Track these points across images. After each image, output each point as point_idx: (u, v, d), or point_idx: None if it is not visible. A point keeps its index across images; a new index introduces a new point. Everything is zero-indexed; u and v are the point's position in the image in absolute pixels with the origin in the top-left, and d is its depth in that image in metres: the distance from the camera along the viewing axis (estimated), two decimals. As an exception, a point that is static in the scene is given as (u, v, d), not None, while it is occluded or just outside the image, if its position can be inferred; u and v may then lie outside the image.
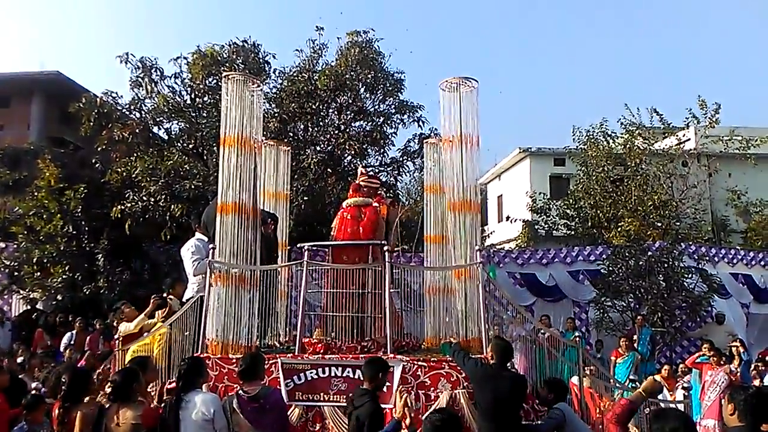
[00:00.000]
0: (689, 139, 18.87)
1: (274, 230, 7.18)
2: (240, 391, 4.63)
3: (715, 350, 8.86)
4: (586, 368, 6.63)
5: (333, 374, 5.39)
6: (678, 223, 17.34)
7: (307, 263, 5.92)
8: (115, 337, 6.77)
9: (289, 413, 5.13)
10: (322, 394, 5.36)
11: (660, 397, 7.55)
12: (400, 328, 6.21)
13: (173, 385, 5.04)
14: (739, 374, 8.78)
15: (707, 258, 13.61)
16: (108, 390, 4.50)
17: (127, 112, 14.05)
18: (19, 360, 8.07)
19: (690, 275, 12.79)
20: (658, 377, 9.50)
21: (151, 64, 13.84)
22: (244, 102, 5.99)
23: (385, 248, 5.85)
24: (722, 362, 8.56)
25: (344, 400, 5.27)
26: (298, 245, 6.63)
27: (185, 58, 14.02)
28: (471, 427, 5.03)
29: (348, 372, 5.38)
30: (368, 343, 5.78)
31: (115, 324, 7.61)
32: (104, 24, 69.45)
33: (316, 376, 5.40)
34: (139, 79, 13.78)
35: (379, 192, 7.10)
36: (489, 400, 4.82)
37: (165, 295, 7.38)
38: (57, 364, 7.95)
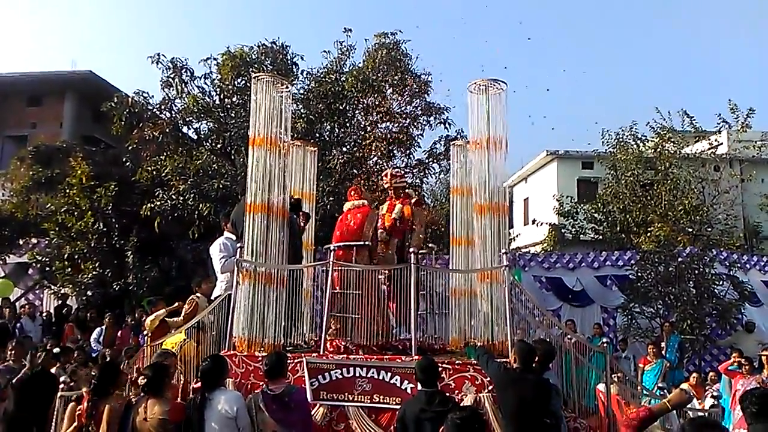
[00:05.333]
0: (721, 144, 18.52)
1: (302, 228, 7.21)
2: (266, 389, 4.67)
3: (747, 359, 8.68)
4: (613, 375, 6.54)
5: (358, 374, 5.39)
6: (709, 229, 17.04)
7: (332, 263, 5.94)
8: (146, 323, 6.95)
9: (313, 412, 5.16)
10: (346, 394, 5.36)
11: (689, 406, 7.43)
12: (387, 328, 6.15)
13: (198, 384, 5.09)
14: (768, 384, 8.58)
15: (738, 265, 13.36)
16: (141, 382, 4.56)
17: (158, 112, 14.28)
18: (56, 350, 8.20)
19: (721, 282, 12.58)
20: (686, 386, 9.41)
21: (182, 64, 14.05)
22: (273, 103, 6.04)
23: (411, 250, 5.84)
24: (754, 371, 8.38)
25: (368, 401, 5.28)
26: (325, 246, 6.67)
27: (215, 58, 14.21)
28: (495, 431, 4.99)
29: (372, 372, 5.38)
30: (348, 342, 5.77)
31: (128, 321, 7.77)
32: (136, 24, 70.67)
33: (340, 376, 5.41)
34: (170, 80, 14.00)
35: (407, 191, 7.05)
36: (512, 404, 4.77)
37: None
38: (88, 359, 8.09)
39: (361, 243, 6.19)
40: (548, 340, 6.14)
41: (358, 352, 5.65)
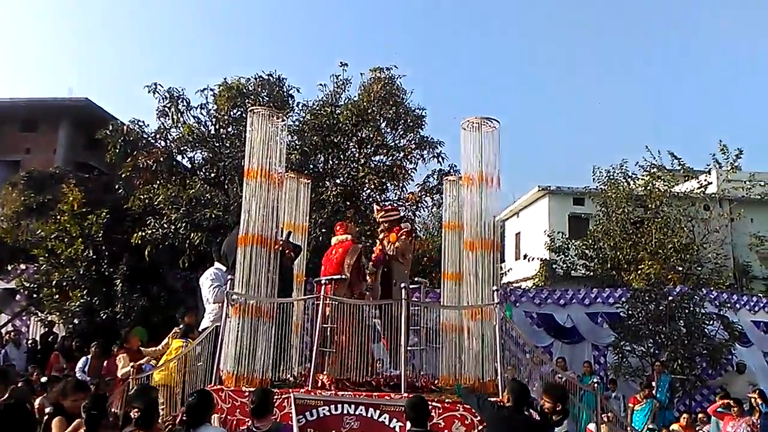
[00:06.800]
0: (711, 183, 18.76)
1: (292, 260, 7.19)
2: (251, 427, 4.60)
3: (735, 400, 8.65)
4: (604, 415, 6.49)
5: (346, 411, 5.33)
6: (699, 268, 17.12)
7: (323, 297, 5.92)
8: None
9: (299, 450, 5.08)
10: (333, 431, 5.29)
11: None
12: (372, 363, 6.13)
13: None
14: (758, 427, 8.53)
15: (729, 305, 13.40)
16: (134, 416, 4.47)
17: (153, 141, 14.30)
18: (43, 380, 8.08)
19: (711, 322, 12.58)
20: (676, 426, 9.34)
21: (179, 94, 14.13)
22: (268, 136, 6.08)
23: (402, 285, 5.83)
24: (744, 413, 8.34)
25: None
26: (315, 279, 6.66)
27: (211, 89, 14.31)
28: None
29: (361, 410, 5.32)
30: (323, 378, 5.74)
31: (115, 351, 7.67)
32: (134, 53, 71.28)
33: (328, 413, 5.34)
34: (166, 109, 14.06)
35: (400, 224, 7.08)
36: (504, 443, 4.73)
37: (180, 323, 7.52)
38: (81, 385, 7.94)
39: (339, 277, 6.19)
40: (540, 377, 6.13)
41: (331, 387, 5.60)
